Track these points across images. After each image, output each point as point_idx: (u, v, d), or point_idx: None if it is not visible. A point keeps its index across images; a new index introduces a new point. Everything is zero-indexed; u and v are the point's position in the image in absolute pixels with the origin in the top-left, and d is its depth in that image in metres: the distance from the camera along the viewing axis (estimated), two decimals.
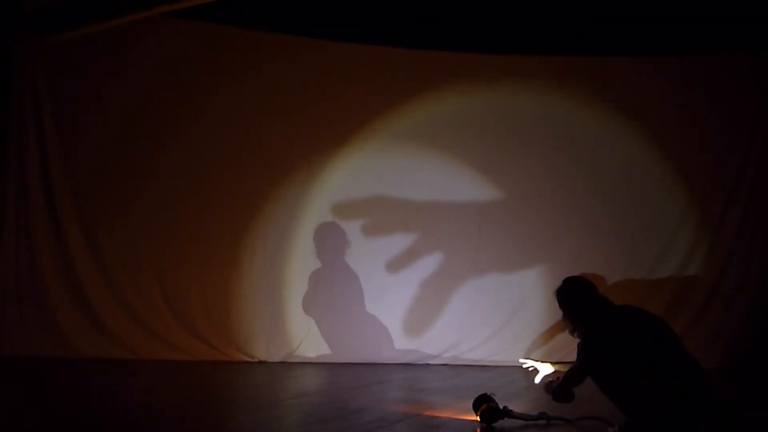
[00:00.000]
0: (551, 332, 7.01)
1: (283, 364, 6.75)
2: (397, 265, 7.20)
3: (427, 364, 6.90)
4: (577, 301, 4.11)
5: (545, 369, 4.42)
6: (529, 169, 7.32)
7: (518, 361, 4.53)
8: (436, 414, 4.41)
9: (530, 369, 4.49)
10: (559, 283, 4.29)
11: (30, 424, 3.90)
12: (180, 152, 7.03)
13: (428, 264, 7.26)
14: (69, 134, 6.78)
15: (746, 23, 6.95)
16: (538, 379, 4.39)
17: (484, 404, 4.19)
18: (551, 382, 4.16)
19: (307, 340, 6.99)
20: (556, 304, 4.61)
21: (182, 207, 7.00)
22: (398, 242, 7.30)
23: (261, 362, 6.77)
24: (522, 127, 7.36)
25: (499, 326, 7.22)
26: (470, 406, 4.26)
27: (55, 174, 6.72)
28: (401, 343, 7.11)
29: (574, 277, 4.33)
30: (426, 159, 7.29)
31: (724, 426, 3.92)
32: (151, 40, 6.95)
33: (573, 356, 4.51)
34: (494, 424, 4.09)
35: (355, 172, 7.23)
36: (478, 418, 4.14)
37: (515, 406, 4.22)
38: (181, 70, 7.04)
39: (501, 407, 4.17)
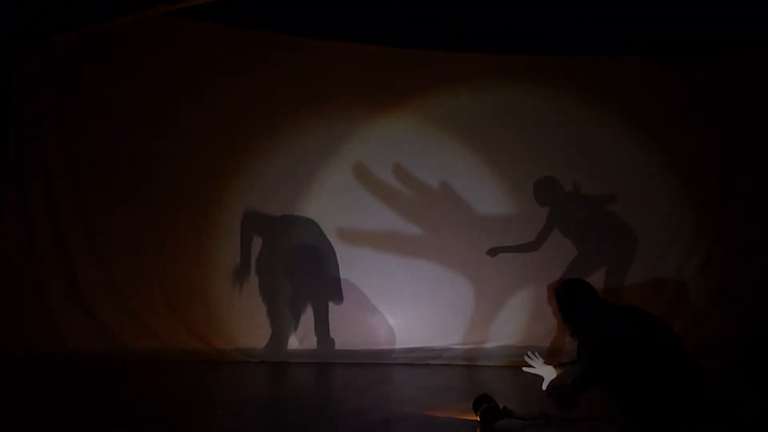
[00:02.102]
0: (552, 333, 7.04)
1: (283, 363, 6.69)
2: (393, 263, 7.18)
3: (427, 364, 6.84)
4: (577, 303, 4.14)
5: (549, 373, 4.40)
6: (528, 168, 7.30)
7: (521, 358, 4.51)
8: (436, 414, 4.39)
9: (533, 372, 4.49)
10: (558, 286, 4.32)
11: (29, 424, 3.88)
12: (181, 151, 7.01)
13: (426, 261, 7.25)
14: (69, 134, 6.75)
15: (747, 23, 6.94)
16: (544, 386, 4.38)
17: (484, 404, 4.18)
18: (556, 386, 4.15)
19: (307, 339, 6.95)
20: (556, 305, 4.63)
21: (183, 204, 7.00)
22: (394, 239, 7.30)
23: (261, 362, 6.71)
24: (521, 127, 7.33)
25: (498, 327, 7.21)
26: (470, 406, 4.24)
27: (54, 174, 6.75)
28: (401, 342, 7.11)
29: (573, 279, 4.33)
30: (424, 158, 7.27)
31: (723, 425, 3.96)
32: (152, 39, 6.95)
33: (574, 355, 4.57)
34: (494, 424, 4.08)
35: (353, 167, 7.21)
36: (478, 418, 4.13)
37: (515, 406, 4.21)
38: (182, 69, 7.01)
39: (501, 407, 4.16)
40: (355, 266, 7.20)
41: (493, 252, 7.06)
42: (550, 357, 6.44)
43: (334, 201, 7.31)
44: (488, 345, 7.17)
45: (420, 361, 6.96)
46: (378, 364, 6.79)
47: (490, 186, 7.43)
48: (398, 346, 7.10)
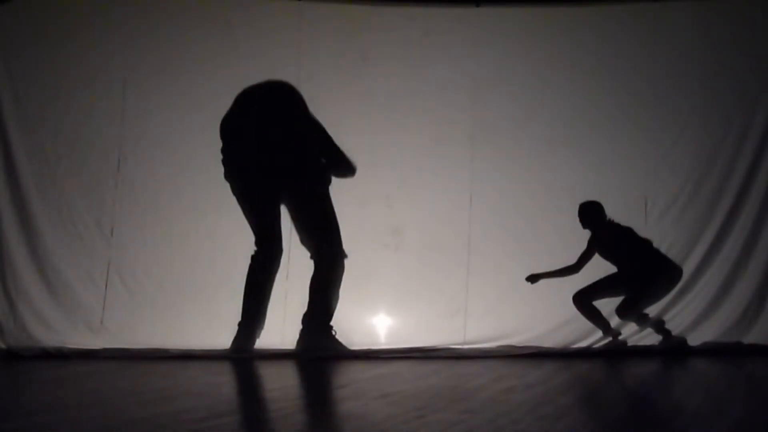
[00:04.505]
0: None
1: (276, 359, 6.36)
2: (379, 245, 7.01)
3: (419, 358, 6.46)
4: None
5: None
6: (526, 129, 7.11)
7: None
8: (434, 414, 4.25)
9: None
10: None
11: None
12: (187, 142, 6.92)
13: (415, 244, 7.08)
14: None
15: None
16: None
17: None
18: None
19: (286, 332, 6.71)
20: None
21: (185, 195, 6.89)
22: (393, 235, 7.13)
23: (256, 357, 6.41)
24: (518, 85, 7.15)
25: (499, 326, 7.07)
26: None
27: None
28: (386, 333, 6.93)
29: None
30: (407, 125, 7.07)
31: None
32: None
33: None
34: None
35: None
36: None
37: (515, 407, 4.07)
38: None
39: None
40: (352, 263, 7.08)
41: (533, 279, 6.86)
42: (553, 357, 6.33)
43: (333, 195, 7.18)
44: (489, 345, 7.06)
45: (409, 354, 6.61)
46: (372, 361, 6.44)
47: (482, 150, 7.24)
48: (396, 345, 6.97)
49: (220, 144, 6.51)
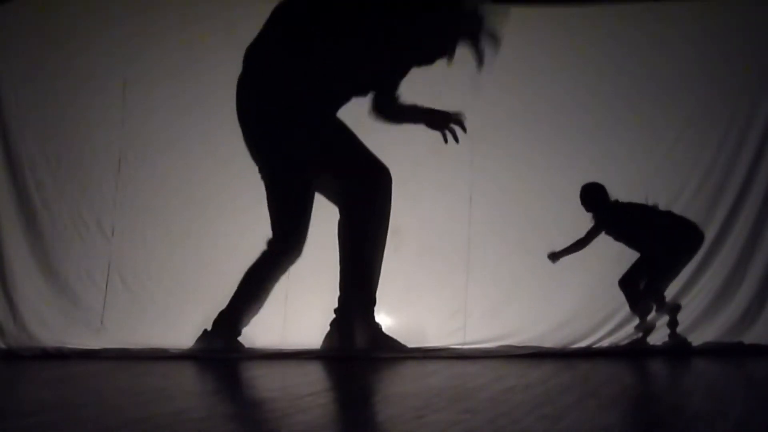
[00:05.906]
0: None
1: (275, 358, 6.35)
2: (391, 260, 6.98)
3: (419, 358, 6.39)
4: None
5: None
6: (526, 129, 7.09)
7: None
8: (434, 415, 4.24)
9: None
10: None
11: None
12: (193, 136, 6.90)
13: (415, 244, 7.06)
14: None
15: None
16: None
17: None
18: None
19: (286, 332, 6.70)
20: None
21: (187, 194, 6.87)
22: (393, 234, 7.08)
23: (264, 356, 6.39)
24: (518, 84, 7.13)
25: (497, 309, 7.05)
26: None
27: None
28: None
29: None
30: (407, 124, 7.01)
31: None
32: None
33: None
34: None
35: None
36: None
37: (514, 407, 4.06)
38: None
39: None
40: (331, 248, 6.97)
41: (554, 257, 6.81)
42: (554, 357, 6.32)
43: None
44: (489, 345, 7.04)
45: (406, 354, 6.52)
46: (373, 361, 6.38)
47: (482, 152, 7.21)
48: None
49: (218, 141, 6.53)
